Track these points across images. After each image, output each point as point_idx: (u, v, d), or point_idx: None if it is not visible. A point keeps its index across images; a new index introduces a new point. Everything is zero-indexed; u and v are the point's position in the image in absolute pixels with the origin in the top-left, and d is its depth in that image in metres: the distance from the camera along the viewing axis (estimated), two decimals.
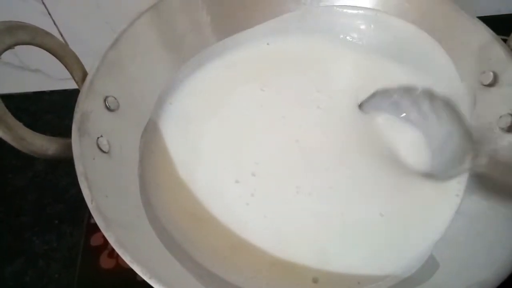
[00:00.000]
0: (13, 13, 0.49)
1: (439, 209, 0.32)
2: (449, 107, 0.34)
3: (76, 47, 0.53)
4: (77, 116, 0.29)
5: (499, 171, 0.30)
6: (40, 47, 0.30)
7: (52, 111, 0.57)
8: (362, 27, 0.39)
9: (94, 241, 0.39)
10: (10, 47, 0.27)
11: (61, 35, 0.52)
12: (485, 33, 0.33)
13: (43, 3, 0.48)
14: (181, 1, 0.36)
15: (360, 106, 0.36)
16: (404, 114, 0.35)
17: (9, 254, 0.45)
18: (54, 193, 0.49)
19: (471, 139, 0.32)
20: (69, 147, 0.27)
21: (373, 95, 0.35)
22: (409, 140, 0.34)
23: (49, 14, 0.50)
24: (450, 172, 0.32)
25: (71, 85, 0.58)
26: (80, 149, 0.27)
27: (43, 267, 0.44)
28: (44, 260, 0.45)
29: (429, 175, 0.33)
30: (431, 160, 0.33)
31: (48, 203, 0.48)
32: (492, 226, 0.27)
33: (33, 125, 0.57)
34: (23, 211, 0.48)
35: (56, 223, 0.47)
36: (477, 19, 0.33)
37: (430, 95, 0.34)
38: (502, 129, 0.31)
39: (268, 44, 0.40)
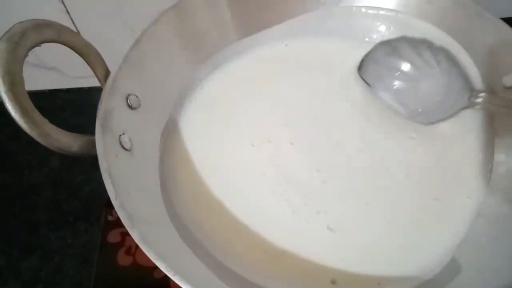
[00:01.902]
0: (32, 11, 0.49)
1: (457, 212, 0.31)
2: (447, 53, 0.35)
3: (94, 46, 0.54)
4: (100, 113, 0.29)
5: None
6: (65, 45, 0.30)
7: (68, 109, 0.58)
8: (382, 28, 0.39)
9: (111, 238, 0.40)
10: (37, 44, 0.27)
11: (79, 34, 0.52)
12: (506, 33, 0.32)
13: (62, 2, 0.49)
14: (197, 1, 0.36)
15: (363, 61, 0.37)
16: (407, 64, 0.35)
17: (24, 250, 0.46)
18: (69, 190, 0.49)
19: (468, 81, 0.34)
20: (92, 144, 0.28)
21: (375, 47, 0.37)
22: None
23: (68, 12, 0.50)
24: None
25: (87, 83, 0.59)
26: (104, 146, 0.27)
27: (58, 263, 0.45)
28: (59, 256, 0.45)
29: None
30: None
31: (63, 199, 0.49)
32: None
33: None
34: (38, 208, 0.49)
35: (71, 220, 0.47)
36: (500, 20, 0.33)
37: (429, 44, 0.35)
38: None
39: (286, 45, 0.40)
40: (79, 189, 0.49)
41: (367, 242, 0.30)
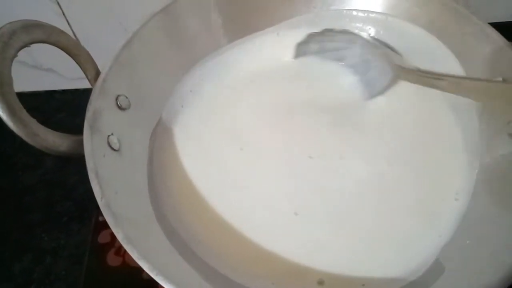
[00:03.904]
0: (27, 13, 0.49)
1: (442, 214, 0.31)
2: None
3: (89, 47, 0.54)
4: (89, 114, 0.29)
5: (505, 177, 0.30)
6: (55, 46, 0.30)
7: (64, 110, 0.58)
8: (372, 31, 0.39)
9: (102, 238, 0.40)
10: (27, 45, 0.27)
11: (75, 35, 0.53)
12: (495, 39, 0.33)
13: (58, 3, 0.49)
14: (193, 2, 0.36)
15: (303, 41, 0.38)
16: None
17: (18, 251, 0.46)
18: (63, 191, 0.50)
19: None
20: (80, 144, 0.28)
21: (321, 33, 0.38)
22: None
23: (63, 14, 0.50)
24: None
25: (83, 84, 0.59)
26: (91, 146, 0.27)
27: (51, 264, 0.45)
28: (52, 257, 0.45)
29: None
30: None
31: (57, 200, 0.49)
32: (498, 231, 0.27)
33: (44, 124, 0.58)
34: (32, 208, 0.49)
35: (64, 221, 0.47)
36: (488, 25, 0.33)
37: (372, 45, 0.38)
38: (510, 135, 0.31)
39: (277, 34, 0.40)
40: (72, 190, 0.50)
41: (353, 243, 0.30)
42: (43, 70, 0.57)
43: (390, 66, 0.36)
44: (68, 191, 0.49)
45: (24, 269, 0.45)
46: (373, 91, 0.36)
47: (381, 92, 0.36)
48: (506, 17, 0.54)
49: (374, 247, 0.30)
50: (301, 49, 0.39)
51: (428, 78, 0.33)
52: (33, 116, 0.60)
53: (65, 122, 0.57)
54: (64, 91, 0.60)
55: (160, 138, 0.35)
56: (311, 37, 0.38)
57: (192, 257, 0.29)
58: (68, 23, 0.51)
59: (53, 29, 0.29)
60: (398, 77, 0.35)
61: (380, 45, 0.38)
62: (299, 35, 0.39)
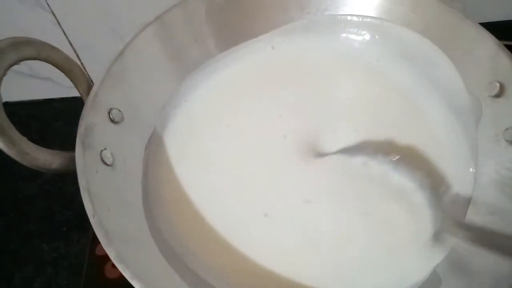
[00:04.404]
0: (23, 23, 0.50)
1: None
2: None
3: (85, 55, 0.55)
4: (81, 130, 0.29)
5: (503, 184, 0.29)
6: (45, 62, 0.30)
7: (62, 118, 0.58)
8: (367, 36, 0.39)
9: (100, 250, 0.40)
10: (16, 63, 0.27)
11: (71, 44, 0.53)
12: (491, 43, 0.32)
13: (53, 13, 0.49)
14: (184, 13, 0.36)
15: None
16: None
17: (18, 261, 0.46)
18: (63, 201, 0.50)
19: None
20: (73, 161, 0.28)
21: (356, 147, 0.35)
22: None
23: (59, 23, 0.51)
24: None
25: None
26: (84, 163, 0.27)
27: (52, 274, 0.45)
28: (53, 267, 0.45)
29: None
30: None
31: (57, 210, 0.49)
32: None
33: (43, 132, 0.59)
34: (32, 218, 0.49)
35: (64, 230, 0.48)
36: (483, 28, 0.33)
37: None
38: (508, 141, 0.30)
39: (272, 47, 0.40)
40: (72, 200, 0.50)
41: (347, 260, 0.30)
42: (40, 79, 0.57)
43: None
44: (68, 201, 0.50)
45: (25, 279, 0.45)
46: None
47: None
48: (504, 16, 0.53)
49: (370, 262, 0.30)
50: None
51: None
52: (31, 124, 0.61)
53: (63, 130, 0.57)
54: (62, 99, 0.60)
55: (154, 150, 0.34)
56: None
57: (186, 271, 0.29)
58: (64, 32, 0.51)
59: (43, 45, 0.29)
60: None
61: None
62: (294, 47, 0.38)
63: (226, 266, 0.30)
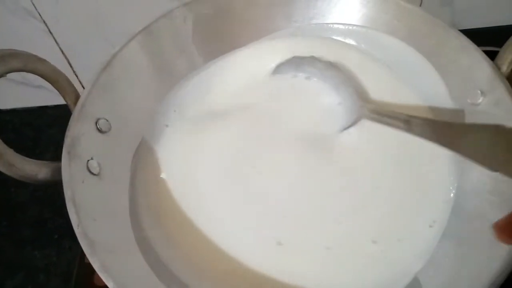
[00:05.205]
0: (15, 32, 0.50)
1: (420, 237, 0.31)
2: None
3: (77, 63, 0.55)
4: (67, 141, 0.29)
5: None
6: (32, 73, 0.30)
7: (56, 125, 0.58)
8: (353, 44, 0.39)
9: None
10: (2, 75, 0.28)
11: (62, 52, 0.53)
12: (472, 51, 0.32)
13: (44, 22, 0.50)
14: (171, 23, 0.36)
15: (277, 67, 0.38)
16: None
17: (10, 268, 0.46)
18: (55, 208, 0.50)
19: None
20: (59, 171, 0.28)
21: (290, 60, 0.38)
22: None
23: (50, 32, 0.51)
24: None
25: None
26: (69, 173, 0.28)
27: (43, 282, 0.45)
28: (44, 274, 0.46)
29: None
30: None
31: (49, 217, 0.49)
32: (476, 251, 0.27)
33: (37, 139, 0.59)
34: (24, 226, 0.49)
35: (56, 238, 0.48)
36: (465, 37, 0.33)
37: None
38: None
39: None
40: (63, 206, 0.49)
41: (331, 262, 0.30)
42: (33, 86, 0.57)
43: (356, 105, 0.35)
44: (60, 208, 0.49)
45: (16, 286, 0.45)
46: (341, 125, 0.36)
47: (348, 127, 0.35)
48: (493, 22, 0.54)
49: (349, 267, 0.30)
50: (281, 68, 0.38)
51: (393, 120, 0.32)
52: (25, 131, 0.61)
53: (57, 137, 0.56)
54: (55, 106, 0.60)
55: (142, 159, 0.35)
56: (293, 60, 0.38)
57: (173, 279, 0.29)
58: (55, 40, 0.52)
59: (29, 57, 0.29)
60: (363, 116, 0.34)
61: (352, 80, 0.37)
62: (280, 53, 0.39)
63: (215, 274, 0.30)
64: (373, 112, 0.34)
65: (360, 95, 0.36)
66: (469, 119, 0.33)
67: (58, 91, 0.32)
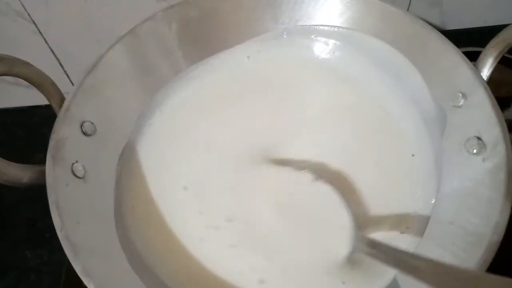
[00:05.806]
0: (4, 33, 0.50)
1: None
2: None
3: (68, 64, 0.55)
4: (52, 144, 0.29)
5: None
6: (17, 77, 0.31)
7: (47, 125, 0.58)
8: (339, 45, 0.40)
9: None
10: None
11: (53, 53, 0.53)
12: (454, 54, 0.33)
13: (34, 22, 0.50)
14: (157, 26, 0.36)
15: None
16: None
17: (1, 268, 0.47)
18: (46, 208, 0.50)
19: None
20: (43, 174, 0.28)
21: None
22: None
23: (40, 33, 0.51)
24: None
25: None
26: (54, 177, 0.28)
27: (35, 281, 0.45)
28: (36, 274, 0.46)
29: None
30: None
31: (40, 217, 0.50)
32: (457, 246, 0.27)
33: (28, 139, 0.59)
34: (16, 225, 0.49)
35: (47, 237, 0.48)
36: (447, 39, 0.33)
37: None
38: (469, 152, 0.31)
39: (248, 58, 0.40)
40: None
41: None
42: (24, 87, 0.57)
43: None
44: None
45: (8, 287, 0.45)
46: None
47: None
48: (480, 22, 0.54)
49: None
50: None
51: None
52: (17, 131, 0.61)
53: (49, 137, 0.57)
54: (47, 106, 0.60)
55: (128, 161, 0.35)
56: None
57: (157, 283, 0.29)
58: (46, 41, 0.52)
59: (14, 61, 0.30)
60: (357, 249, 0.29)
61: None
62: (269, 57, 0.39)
63: (199, 278, 0.30)
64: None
65: None
66: (450, 121, 0.33)
67: (43, 94, 0.32)
